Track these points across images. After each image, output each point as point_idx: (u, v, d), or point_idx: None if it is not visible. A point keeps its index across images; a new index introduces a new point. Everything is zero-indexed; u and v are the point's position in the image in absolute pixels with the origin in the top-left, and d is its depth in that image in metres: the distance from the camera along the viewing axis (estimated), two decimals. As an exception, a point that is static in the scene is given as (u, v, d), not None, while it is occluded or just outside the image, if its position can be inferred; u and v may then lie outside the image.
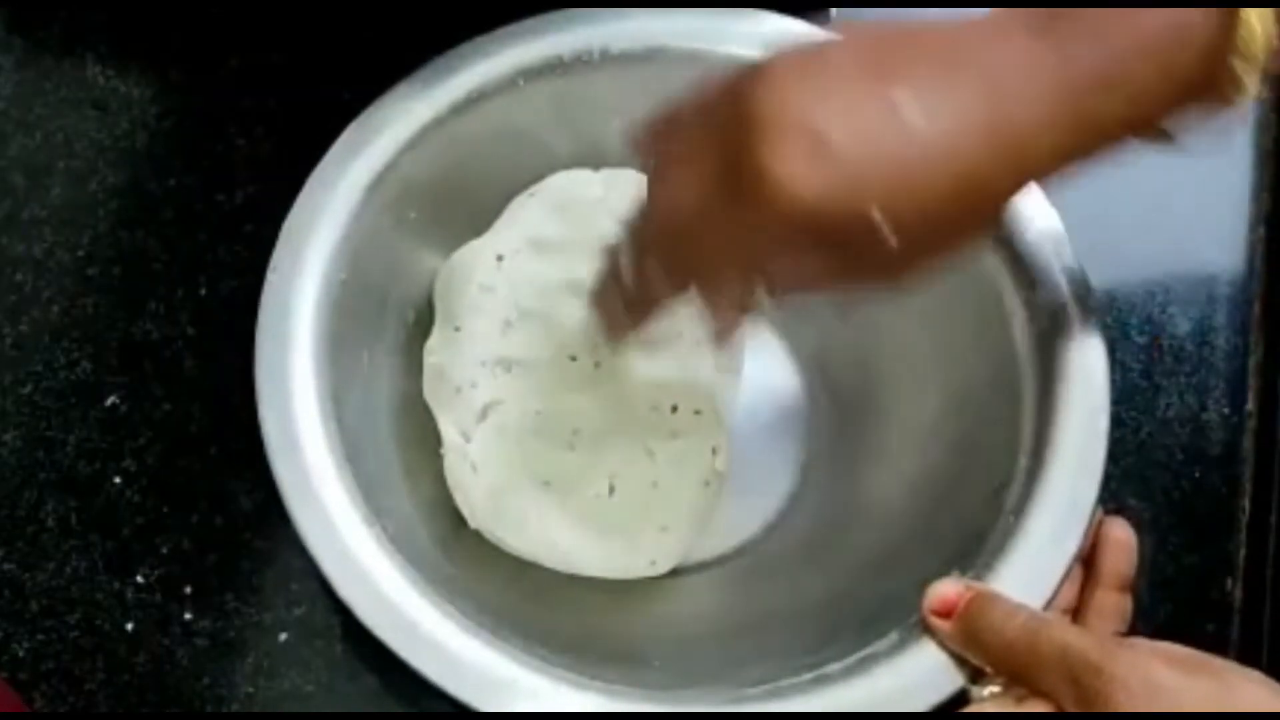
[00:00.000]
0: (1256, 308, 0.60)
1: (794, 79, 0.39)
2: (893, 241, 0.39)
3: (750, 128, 0.39)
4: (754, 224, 0.40)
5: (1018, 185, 0.41)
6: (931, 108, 0.39)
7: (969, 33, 0.41)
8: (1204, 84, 0.40)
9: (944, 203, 0.39)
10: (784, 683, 0.45)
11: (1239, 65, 0.40)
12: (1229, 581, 0.55)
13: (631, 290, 0.45)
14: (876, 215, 0.39)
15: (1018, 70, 0.40)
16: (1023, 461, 0.49)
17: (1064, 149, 0.41)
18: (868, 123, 0.38)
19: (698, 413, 0.54)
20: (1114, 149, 0.42)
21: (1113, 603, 0.48)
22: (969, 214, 0.41)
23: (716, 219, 0.41)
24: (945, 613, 0.45)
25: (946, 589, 0.45)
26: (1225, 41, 0.40)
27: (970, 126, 0.39)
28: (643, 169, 0.45)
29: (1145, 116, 0.41)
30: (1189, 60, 0.40)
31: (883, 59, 0.40)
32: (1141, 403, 0.58)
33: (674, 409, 0.54)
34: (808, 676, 0.45)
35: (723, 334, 0.45)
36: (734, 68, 0.42)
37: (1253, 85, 0.41)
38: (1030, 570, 0.46)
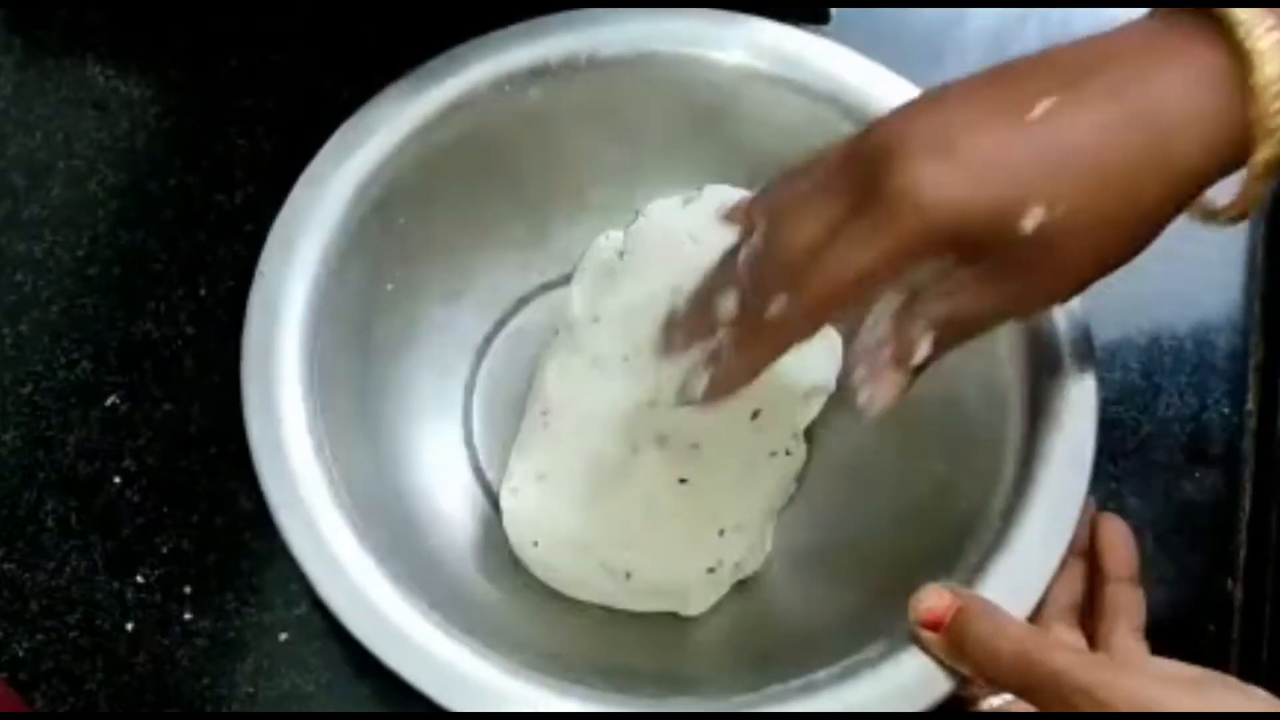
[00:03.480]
0: (1256, 308, 0.60)
1: (917, 113, 0.41)
2: (1030, 231, 0.39)
3: (881, 156, 0.39)
4: (895, 246, 0.39)
5: (1170, 195, 0.40)
6: (1062, 113, 0.39)
7: (1099, 46, 0.41)
8: None
9: (1087, 202, 0.39)
10: (771, 690, 0.45)
11: None
12: (1229, 581, 0.55)
13: (746, 338, 0.43)
14: (1031, 212, 0.39)
15: (1161, 77, 0.39)
16: (1011, 466, 0.49)
17: (1217, 150, 0.40)
18: (997, 132, 0.39)
19: (788, 453, 0.53)
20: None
21: (1128, 596, 0.48)
22: (1117, 222, 0.40)
23: (855, 246, 0.40)
24: (933, 625, 0.44)
25: (934, 600, 0.45)
26: None
27: (1108, 125, 0.39)
28: (744, 233, 0.44)
29: None
30: None
31: (1004, 85, 0.40)
32: (1141, 403, 0.58)
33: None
34: (796, 683, 0.45)
35: (880, 391, 0.43)
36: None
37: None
38: (1018, 575, 0.46)
